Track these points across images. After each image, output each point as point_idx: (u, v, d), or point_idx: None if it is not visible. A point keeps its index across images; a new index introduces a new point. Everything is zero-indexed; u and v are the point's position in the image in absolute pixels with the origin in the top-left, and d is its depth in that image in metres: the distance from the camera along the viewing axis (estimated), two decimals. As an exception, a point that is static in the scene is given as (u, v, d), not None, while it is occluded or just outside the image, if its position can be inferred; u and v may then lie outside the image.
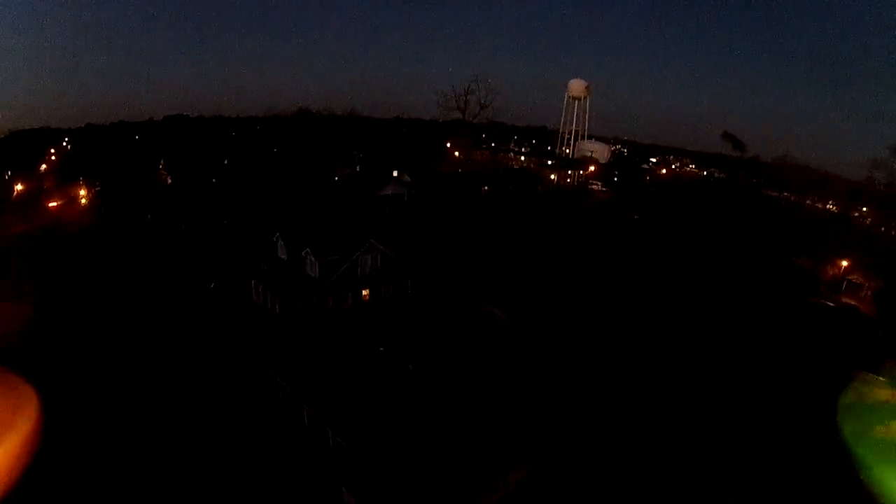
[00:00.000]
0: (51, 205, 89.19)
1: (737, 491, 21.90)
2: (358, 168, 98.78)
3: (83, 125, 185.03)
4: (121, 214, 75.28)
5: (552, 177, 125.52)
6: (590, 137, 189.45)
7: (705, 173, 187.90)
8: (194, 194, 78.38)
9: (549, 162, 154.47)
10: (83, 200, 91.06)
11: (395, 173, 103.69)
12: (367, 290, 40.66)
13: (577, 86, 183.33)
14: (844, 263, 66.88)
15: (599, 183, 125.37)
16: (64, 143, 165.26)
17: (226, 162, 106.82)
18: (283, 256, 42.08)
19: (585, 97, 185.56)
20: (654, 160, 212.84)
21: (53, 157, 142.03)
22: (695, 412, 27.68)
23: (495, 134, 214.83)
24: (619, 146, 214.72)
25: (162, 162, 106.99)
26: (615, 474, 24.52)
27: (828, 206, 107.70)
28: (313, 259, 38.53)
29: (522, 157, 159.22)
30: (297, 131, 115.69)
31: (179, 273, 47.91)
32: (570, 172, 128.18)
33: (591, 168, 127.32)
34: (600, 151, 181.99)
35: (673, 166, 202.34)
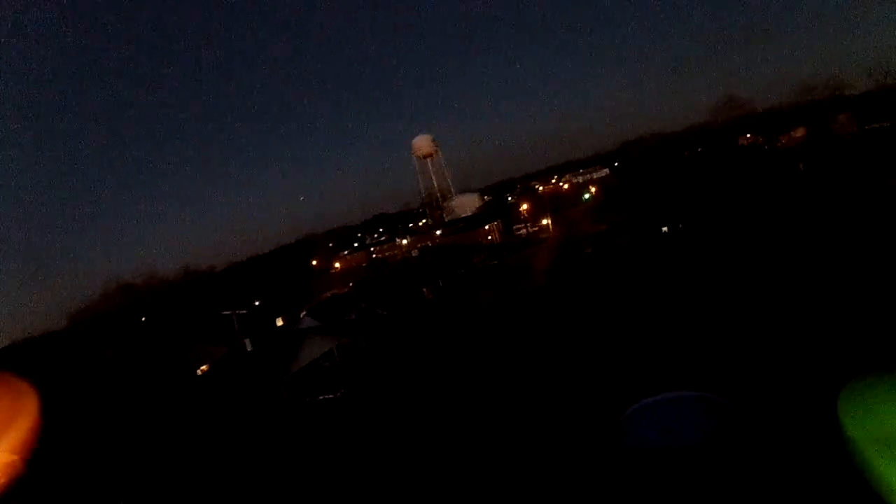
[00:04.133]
0: None
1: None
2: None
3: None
4: None
5: (480, 239, 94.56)
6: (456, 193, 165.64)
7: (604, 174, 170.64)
8: None
9: (438, 233, 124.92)
10: None
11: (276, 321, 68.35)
12: None
13: (423, 143, 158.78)
14: None
15: (528, 224, 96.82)
16: None
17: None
18: None
19: (436, 152, 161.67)
20: (518, 189, 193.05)
21: None
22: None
23: (338, 239, 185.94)
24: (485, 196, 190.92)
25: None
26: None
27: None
28: None
29: (405, 241, 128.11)
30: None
31: None
32: (487, 228, 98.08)
33: (524, 207, 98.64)
34: (473, 202, 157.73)
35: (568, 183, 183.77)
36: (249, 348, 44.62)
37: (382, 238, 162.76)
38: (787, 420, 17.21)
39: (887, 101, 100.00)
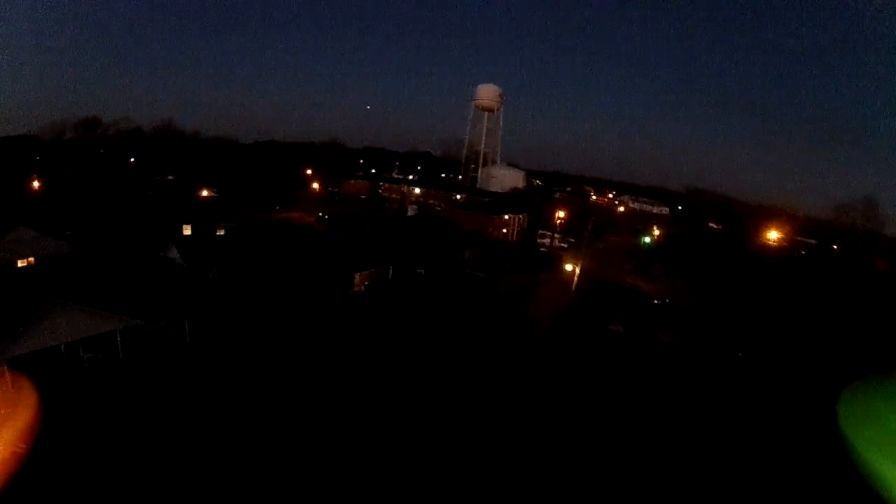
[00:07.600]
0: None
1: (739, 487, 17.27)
2: None
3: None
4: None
5: (490, 229, 73.65)
6: (499, 162, 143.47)
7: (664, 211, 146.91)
8: None
9: (458, 196, 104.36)
10: None
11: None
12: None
13: (488, 93, 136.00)
14: None
15: (557, 236, 74.96)
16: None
17: None
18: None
19: (499, 108, 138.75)
20: (569, 189, 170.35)
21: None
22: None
23: (374, 159, 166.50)
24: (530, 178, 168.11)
25: None
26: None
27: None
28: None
29: (417, 190, 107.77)
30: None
31: None
32: (507, 218, 76.73)
33: (560, 215, 76.66)
34: (514, 179, 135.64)
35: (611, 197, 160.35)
36: None
37: (409, 177, 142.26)
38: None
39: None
